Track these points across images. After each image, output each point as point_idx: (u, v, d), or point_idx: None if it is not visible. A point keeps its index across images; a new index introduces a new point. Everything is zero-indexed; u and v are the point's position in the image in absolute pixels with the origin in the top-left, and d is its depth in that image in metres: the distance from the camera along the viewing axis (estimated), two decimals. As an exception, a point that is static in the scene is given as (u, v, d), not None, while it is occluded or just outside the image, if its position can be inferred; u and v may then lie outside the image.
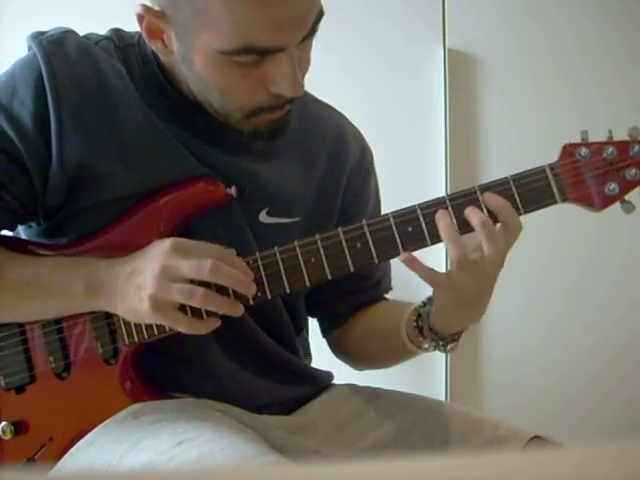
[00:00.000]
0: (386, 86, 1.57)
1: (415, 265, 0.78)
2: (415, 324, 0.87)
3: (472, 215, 0.78)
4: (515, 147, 1.57)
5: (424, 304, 0.87)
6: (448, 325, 0.85)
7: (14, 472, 0.27)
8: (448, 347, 0.88)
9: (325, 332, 1.04)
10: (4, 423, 0.84)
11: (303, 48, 0.77)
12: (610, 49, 1.56)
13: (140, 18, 0.78)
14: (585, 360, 1.58)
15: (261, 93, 0.77)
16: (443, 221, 0.78)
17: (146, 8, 0.77)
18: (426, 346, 0.88)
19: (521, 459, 0.28)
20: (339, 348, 1.02)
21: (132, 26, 0.89)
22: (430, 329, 0.86)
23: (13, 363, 0.84)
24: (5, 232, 0.88)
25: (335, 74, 1.50)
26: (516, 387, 1.59)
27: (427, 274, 0.79)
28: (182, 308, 0.78)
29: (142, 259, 0.78)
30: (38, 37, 0.82)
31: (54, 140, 0.79)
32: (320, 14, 0.76)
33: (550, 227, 1.52)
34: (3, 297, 0.81)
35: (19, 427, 0.84)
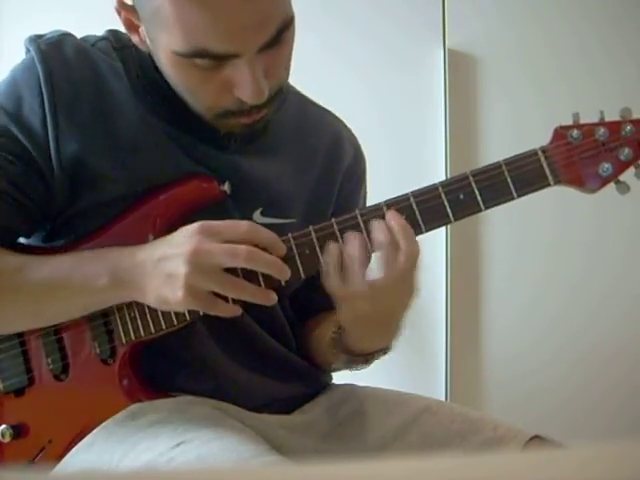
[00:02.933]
0: (386, 86, 1.57)
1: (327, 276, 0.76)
2: (333, 334, 0.87)
3: (376, 229, 0.76)
4: (515, 147, 1.56)
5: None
6: (358, 343, 0.84)
7: (14, 472, 0.27)
8: (357, 366, 0.88)
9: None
10: (3, 426, 0.84)
11: (272, 56, 0.75)
12: (610, 49, 1.56)
13: (118, 12, 0.78)
14: (585, 357, 1.58)
15: (226, 97, 0.76)
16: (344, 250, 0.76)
17: (121, 2, 0.78)
18: (337, 357, 0.88)
19: (521, 459, 0.28)
20: (301, 345, 1.00)
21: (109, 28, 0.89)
22: (343, 343, 0.85)
23: (11, 366, 0.84)
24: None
25: (335, 74, 1.50)
26: (516, 386, 1.59)
27: (331, 287, 0.76)
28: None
29: (169, 245, 0.76)
30: (36, 40, 0.82)
31: (51, 139, 0.79)
32: (287, 21, 0.74)
33: (549, 226, 1.53)
34: (26, 300, 0.79)
35: (18, 430, 0.84)
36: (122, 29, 0.89)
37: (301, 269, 0.79)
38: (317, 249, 0.79)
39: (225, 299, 0.77)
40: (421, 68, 1.57)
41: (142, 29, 0.78)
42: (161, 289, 0.75)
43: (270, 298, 0.78)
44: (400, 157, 1.55)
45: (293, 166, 0.92)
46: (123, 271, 0.77)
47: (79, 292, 0.78)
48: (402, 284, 0.76)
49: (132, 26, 0.79)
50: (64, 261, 0.80)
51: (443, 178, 1.54)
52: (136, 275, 0.76)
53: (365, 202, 1.04)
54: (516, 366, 1.60)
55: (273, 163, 0.90)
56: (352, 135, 1.01)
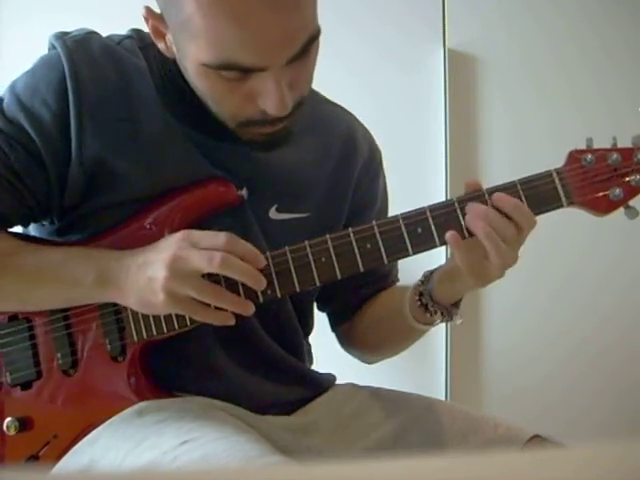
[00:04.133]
0: (386, 86, 1.57)
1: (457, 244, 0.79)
2: (419, 302, 0.89)
3: (474, 226, 0.78)
4: (515, 147, 1.57)
5: (424, 281, 0.89)
6: (451, 294, 0.87)
7: (15, 472, 0.27)
8: (454, 318, 0.89)
9: (334, 326, 1.05)
10: (9, 419, 0.84)
11: (297, 68, 0.75)
12: (609, 49, 1.57)
13: (145, 19, 0.79)
14: (584, 353, 1.58)
15: (250, 107, 0.77)
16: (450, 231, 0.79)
17: (149, 10, 0.78)
18: (434, 319, 0.89)
19: (521, 459, 0.28)
20: (348, 341, 1.04)
21: (132, 27, 0.89)
22: (435, 303, 0.88)
23: (20, 359, 0.85)
24: (17, 229, 0.88)
25: (335, 74, 1.50)
26: (516, 386, 1.59)
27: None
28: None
29: (154, 251, 0.78)
30: (62, 37, 0.82)
31: (74, 138, 0.80)
32: (314, 34, 0.75)
33: (544, 220, 1.53)
34: (13, 282, 0.81)
35: (24, 423, 0.84)
36: (123, 29, 0.90)
37: (316, 276, 0.80)
38: (333, 257, 0.80)
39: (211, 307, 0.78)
40: (421, 68, 1.57)
41: (169, 37, 0.78)
42: (142, 292, 0.77)
43: (248, 308, 0.79)
44: (400, 157, 1.55)
45: (308, 160, 0.93)
46: (109, 272, 0.79)
47: (64, 285, 0.80)
48: (516, 255, 0.80)
49: (159, 33, 0.79)
50: (56, 253, 0.82)
51: (443, 178, 1.56)
52: (120, 277, 0.78)
53: (386, 194, 1.05)
54: (516, 366, 1.60)
55: (289, 158, 0.91)
56: (365, 130, 1.02)
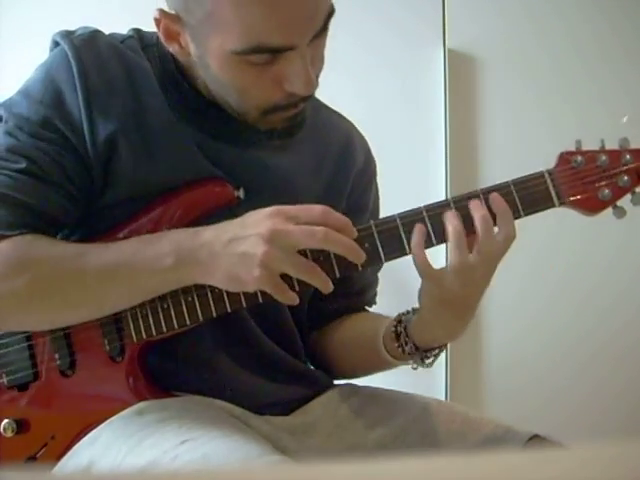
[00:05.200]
0: (386, 86, 1.57)
1: (419, 251, 0.78)
2: (394, 329, 0.87)
3: (476, 208, 0.79)
4: (514, 147, 1.57)
5: (407, 312, 0.88)
6: (426, 333, 0.85)
7: (15, 472, 0.27)
8: (426, 361, 0.88)
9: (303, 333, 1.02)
10: (6, 421, 0.83)
11: (316, 46, 0.78)
12: (608, 49, 1.57)
13: (157, 22, 0.79)
14: (582, 352, 1.59)
15: (276, 91, 0.78)
16: (452, 223, 0.78)
17: (162, 12, 0.78)
18: (403, 355, 0.87)
19: (521, 459, 0.28)
20: (315, 352, 1.01)
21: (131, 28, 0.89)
22: (408, 336, 0.86)
23: (17, 360, 0.84)
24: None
25: (334, 74, 1.50)
26: (515, 385, 1.59)
27: (423, 264, 0.78)
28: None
29: (241, 227, 0.76)
30: (68, 36, 0.82)
31: (86, 126, 0.80)
32: (331, 11, 0.77)
33: (543, 218, 1.53)
34: (90, 284, 0.79)
35: (21, 425, 0.83)
36: (123, 30, 0.90)
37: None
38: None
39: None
40: (421, 68, 1.57)
41: (184, 37, 0.78)
42: (234, 268, 0.75)
43: (328, 285, 0.77)
44: (400, 157, 1.55)
45: (305, 167, 0.93)
46: (188, 251, 0.76)
47: (143, 273, 0.78)
48: (491, 266, 0.78)
49: (171, 35, 0.79)
50: (126, 244, 0.80)
51: (443, 178, 1.56)
52: (202, 255, 0.76)
53: (378, 203, 1.05)
54: (516, 365, 1.60)
55: (287, 164, 0.91)
56: (363, 138, 1.02)
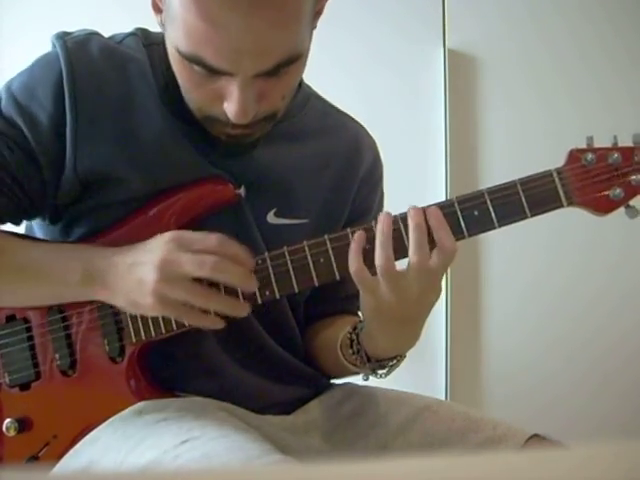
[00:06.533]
0: (386, 86, 1.57)
1: (352, 259, 0.77)
2: (349, 337, 0.87)
3: (412, 216, 0.76)
4: (515, 147, 1.57)
5: (361, 321, 0.87)
6: (372, 344, 0.84)
7: (15, 472, 0.27)
8: (379, 372, 0.87)
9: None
10: (8, 420, 0.84)
11: (269, 83, 0.74)
12: (609, 49, 1.57)
13: None
14: (583, 355, 1.58)
15: (215, 105, 0.76)
16: (385, 226, 0.77)
17: None
18: (356, 362, 0.87)
19: (520, 459, 0.28)
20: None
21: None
22: (359, 343, 0.86)
23: (18, 360, 0.85)
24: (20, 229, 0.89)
25: (334, 74, 1.50)
26: (516, 386, 1.59)
27: (357, 272, 0.77)
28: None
29: (143, 251, 0.77)
30: (63, 37, 0.82)
31: (69, 145, 0.80)
32: (293, 58, 0.74)
33: (547, 220, 1.53)
34: (3, 279, 0.81)
35: (23, 424, 0.84)
36: (123, 32, 0.89)
37: (315, 277, 0.80)
38: (332, 258, 0.80)
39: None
40: (421, 68, 1.57)
41: (163, 15, 0.77)
42: (131, 293, 0.77)
43: (242, 309, 0.78)
44: (400, 157, 1.55)
45: (311, 167, 0.92)
46: (96, 270, 0.78)
47: (52, 282, 0.80)
48: (431, 279, 0.76)
49: (157, 7, 0.78)
50: (43, 251, 0.82)
51: (443, 178, 1.56)
52: (108, 276, 0.78)
53: (382, 206, 1.04)
54: (515, 366, 1.60)
55: (292, 162, 0.91)
56: (372, 141, 1.01)
